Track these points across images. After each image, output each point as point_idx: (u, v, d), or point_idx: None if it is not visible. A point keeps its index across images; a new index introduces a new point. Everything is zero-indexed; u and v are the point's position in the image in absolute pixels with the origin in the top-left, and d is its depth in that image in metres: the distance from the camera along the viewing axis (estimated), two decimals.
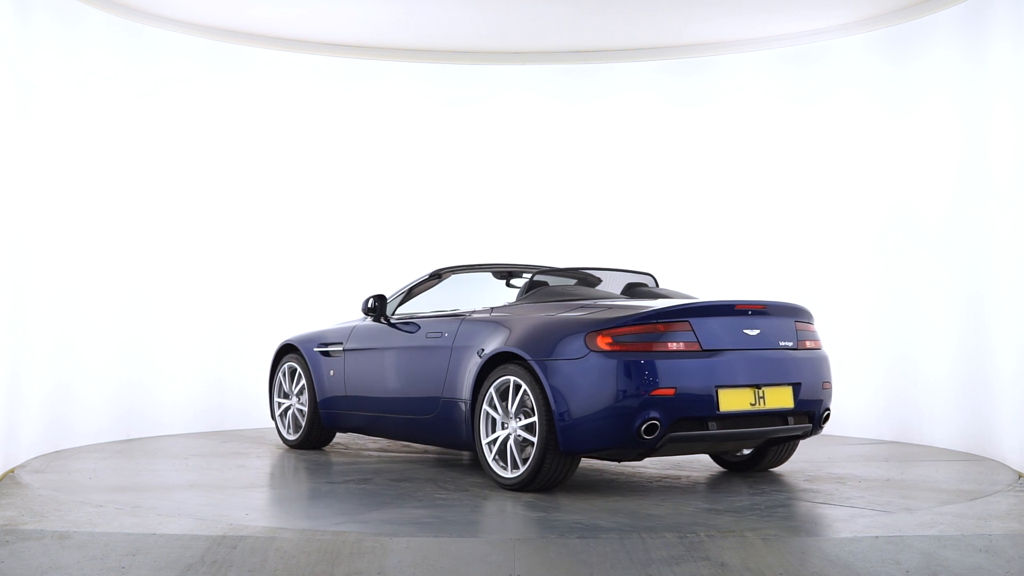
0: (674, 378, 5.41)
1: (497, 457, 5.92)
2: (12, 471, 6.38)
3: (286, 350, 8.01)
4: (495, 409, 5.93)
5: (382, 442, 8.13)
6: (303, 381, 7.75)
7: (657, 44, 9.40)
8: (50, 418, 7.34)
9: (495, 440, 5.93)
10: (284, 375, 7.96)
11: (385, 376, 7.07)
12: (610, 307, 5.81)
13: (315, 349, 7.70)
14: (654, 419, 5.36)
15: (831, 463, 6.99)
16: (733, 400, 5.58)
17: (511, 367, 5.83)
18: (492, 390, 5.93)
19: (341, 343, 7.49)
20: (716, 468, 6.69)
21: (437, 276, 7.34)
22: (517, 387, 5.77)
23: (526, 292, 6.46)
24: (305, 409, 7.71)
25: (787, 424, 5.85)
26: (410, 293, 7.35)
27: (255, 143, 9.35)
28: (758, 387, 5.68)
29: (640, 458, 5.67)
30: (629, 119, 9.73)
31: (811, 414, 5.97)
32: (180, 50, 8.82)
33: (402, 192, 9.79)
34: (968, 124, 7.56)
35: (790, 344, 5.92)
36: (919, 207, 8.11)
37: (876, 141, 8.55)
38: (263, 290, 9.34)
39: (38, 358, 7.11)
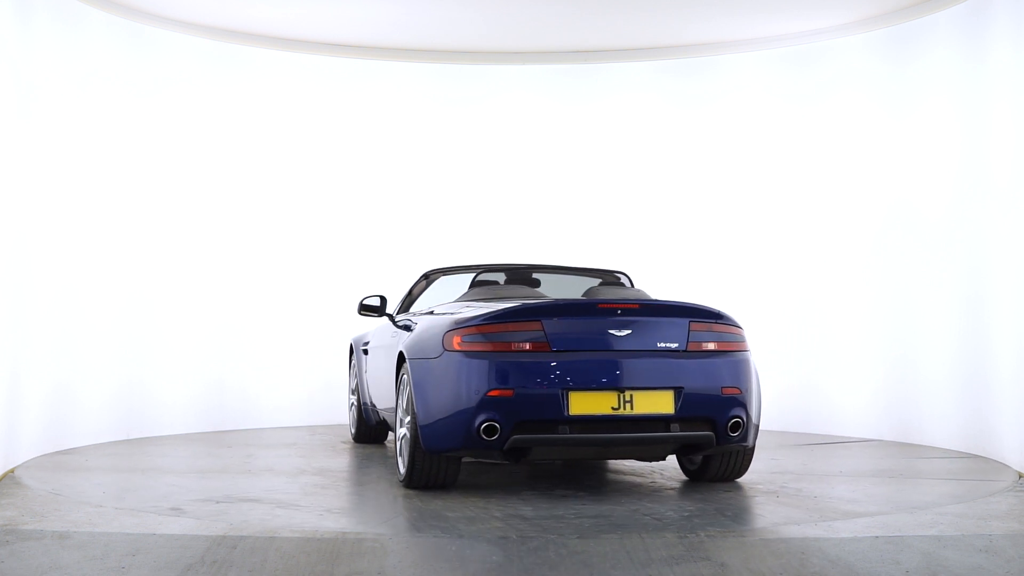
0: (513, 379, 5.22)
1: (400, 454, 5.90)
2: (12, 471, 6.38)
3: (353, 348, 8.27)
4: (401, 407, 5.91)
5: None
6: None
7: (657, 44, 9.39)
8: (50, 418, 7.34)
9: (399, 437, 5.92)
10: (352, 372, 8.22)
11: (375, 374, 7.17)
12: (483, 306, 5.73)
13: (361, 348, 7.87)
14: (492, 420, 5.19)
15: (829, 464, 6.99)
16: (587, 403, 5.24)
17: (405, 365, 5.79)
18: (401, 388, 5.93)
19: (370, 342, 7.62)
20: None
21: (425, 278, 7.38)
22: (406, 385, 5.76)
23: (468, 290, 6.45)
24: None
25: (670, 431, 5.32)
26: (410, 294, 7.41)
27: (255, 143, 9.35)
28: (622, 390, 5.26)
29: (508, 460, 5.43)
30: (629, 119, 9.72)
31: (711, 422, 5.41)
32: (180, 50, 8.82)
33: (402, 192, 9.79)
34: (968, 124, 7.56)
35: (675, 346, 5.44)
36: (919, 207, 8.10)
37: (876, 141, 8.54)
38: (263, 290, 9.34)
39: (38, 358, 7.11)
